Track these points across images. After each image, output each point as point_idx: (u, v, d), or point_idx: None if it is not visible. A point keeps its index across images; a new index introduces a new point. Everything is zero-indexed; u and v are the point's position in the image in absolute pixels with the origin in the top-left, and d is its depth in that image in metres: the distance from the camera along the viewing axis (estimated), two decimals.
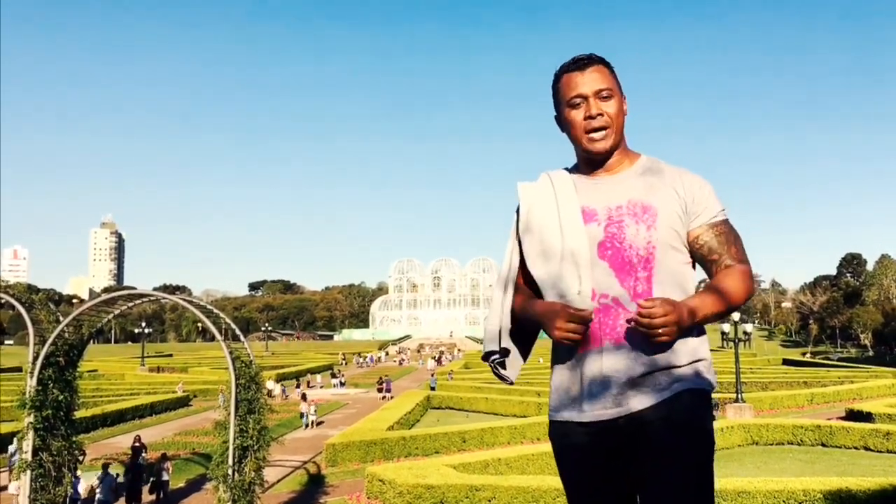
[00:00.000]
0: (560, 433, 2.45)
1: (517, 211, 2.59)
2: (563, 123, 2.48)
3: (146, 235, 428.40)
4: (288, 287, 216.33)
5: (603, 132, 2.40)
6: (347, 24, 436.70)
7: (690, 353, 2.35)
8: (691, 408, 2.29)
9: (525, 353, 2.59)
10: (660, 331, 2.14)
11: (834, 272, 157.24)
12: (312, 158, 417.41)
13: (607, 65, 2.46)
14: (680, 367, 2.32)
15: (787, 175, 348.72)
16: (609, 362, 2.30)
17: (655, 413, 2.26)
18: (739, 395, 30.54)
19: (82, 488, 16.01)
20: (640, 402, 2.28)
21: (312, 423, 31.62)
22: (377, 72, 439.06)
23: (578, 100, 2.41)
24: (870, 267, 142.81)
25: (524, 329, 2.53)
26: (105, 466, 16.66)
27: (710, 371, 2.41)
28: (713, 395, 2.51)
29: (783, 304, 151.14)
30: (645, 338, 2.24)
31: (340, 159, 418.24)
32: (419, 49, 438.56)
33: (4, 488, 18.24)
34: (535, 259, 2.46)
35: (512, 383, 2.64)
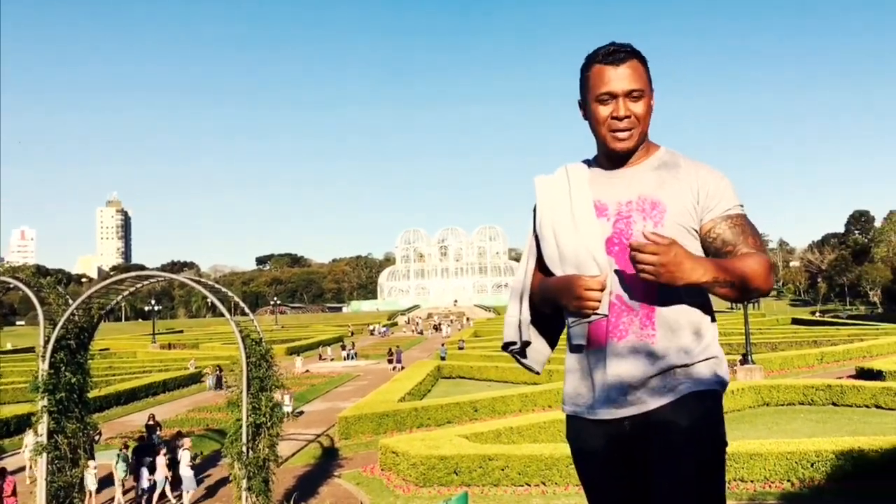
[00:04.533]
0: (575, 430, 2.46)
1: (534, 209, 2.53)
2: (588, 114, 2.38)
3: (152, 213, 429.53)
4: (295, 260, 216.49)
5: (628, 132, 2.30)
6: None
7: (701, 351, 2.29)
8: (696, 410, 2.23)
9: (552, 343, 2.59)
10: (646, 267, 2.03)
11: (842, 230, 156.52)
12: (316, 130, 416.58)
13: (642, 60, 2.34)
14: (688, 366, 2.26)
15: (793, 132, 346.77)
16: (614, 362, 2.27)
17: (660, 416, 2.23)
18: (749, 357, 30.55)
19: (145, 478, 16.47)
20: (645, 404, 2.25)
21: (288, 414, 24.91)
22: (380, 39, 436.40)
23: (607, 97, 2.29)
24: (878, 224, 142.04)
25: (546, 318, 2.50)
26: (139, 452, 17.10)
27: (721, 368, 2.34)
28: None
29: (791, 264, 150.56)
30: (654, 332, 2.23)
31: (344, 130, 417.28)
32: (423, 16, 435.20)
33: (23, 469, 18.44)
34: (553, 259, 2.41)
35: (538, 373, 2.65)
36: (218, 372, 37.05)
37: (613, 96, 2.28)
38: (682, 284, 2.07)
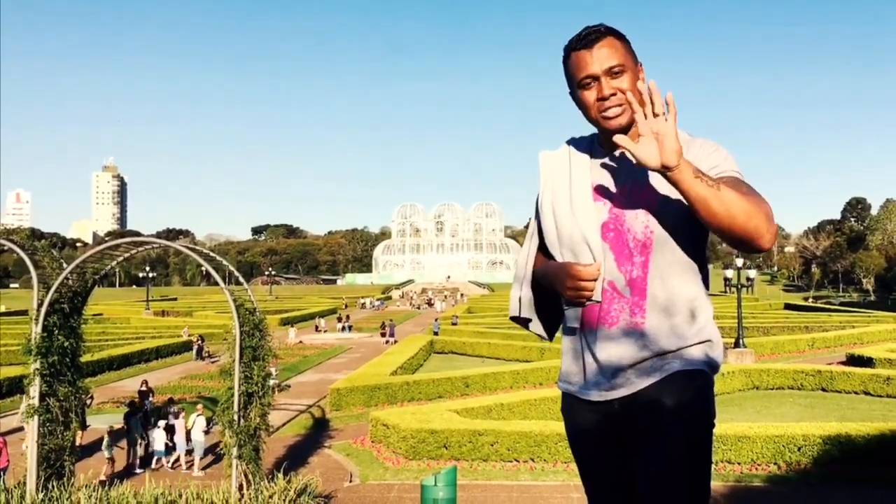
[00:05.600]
0: (568, 407, 2.50)
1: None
2: (578, 103, 2.34)
3: (149, 179, 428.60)
4: (291, 231, 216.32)
5: (618, 109, 2.25)
6: None
7: (695, 335, 2.29)
8: (682, 389, 2.23)
9: (558, 316, 2.58)
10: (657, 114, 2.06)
11: (838, 216, 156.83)
12: (316, 100, 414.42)
13: (618, 36, 2.29)
14: (677, 350, 2.26)
15: (792, 118, 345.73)
16: (604, 348, 2.29)
17: (646, 396, 2.25)
18: (741, 340, 30.69)
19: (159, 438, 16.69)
20: (632, 385, 2.27)
21: (274, 387, 25.56)
22: (382, 10, 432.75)
23: (589, 80, 2.26)
24: (874, 211, 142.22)
25: (549, 292, 2.51)
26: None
27: (715, 351, 2.33)
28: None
29: (786, 249, 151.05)
30: (645, 318, 2.23)
31: (344, 101, 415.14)
32: None
33: (13, 431, 18.50)
34: (553, 241, 2.42)
35: (549, 340, 2.70)
36: (199, 342, 36.95)
37: (595, 78, 2.25)
38: (667, 157, 2.04)
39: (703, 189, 2.02)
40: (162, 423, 16.93)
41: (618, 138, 2.14)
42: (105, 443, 15.89)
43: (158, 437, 16.58)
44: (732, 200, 2.01)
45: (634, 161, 2.11)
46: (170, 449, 16.75)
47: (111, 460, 15.80)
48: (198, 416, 16.72)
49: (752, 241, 2.05)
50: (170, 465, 16.60)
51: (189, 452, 16.69)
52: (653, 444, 2.22)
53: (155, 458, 16.70)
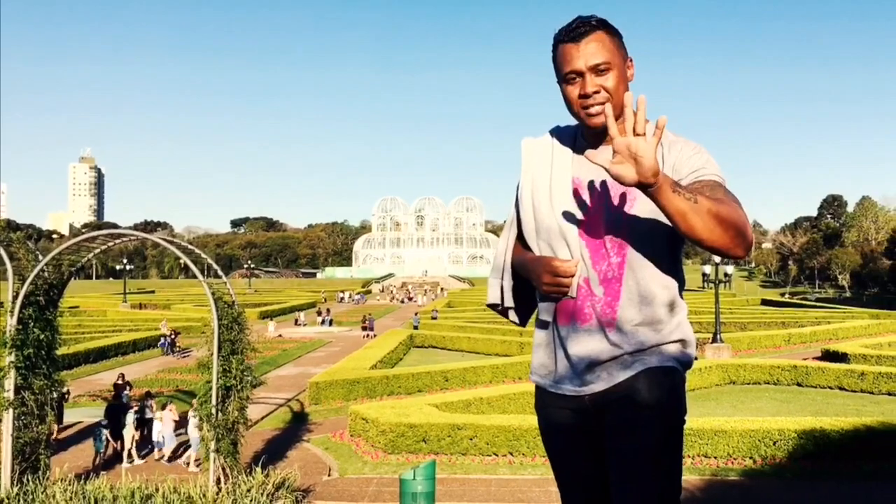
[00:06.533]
0: (541, 401, 2.50)
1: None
2: (562, 96, 2.30)
3: (127, 171, 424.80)
4: (270, 224, 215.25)
5: (600, 107, 2.20)
6: None
7: (669, 333, 2.29)
8: (657, 386, 2.24)
9: (533, 303, 2.59)
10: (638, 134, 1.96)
11: (815, 213, 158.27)
12: (297, 93, 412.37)
13: (608, 30, 2.24)
14: (650, 347, 2.26)
15: (770, 115, 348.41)
16: (577, 344, 2.29)
17: (619, 392, 2.26)
18: (718, 336, 30.93)
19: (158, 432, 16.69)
20: (604, 381, 2.28)
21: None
22: (363, 2, 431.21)
23: (573, 75, 2.22)
24: (850, 208, 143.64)
25: (524, 281, 2.50)
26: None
27: (688, 349, 2.33)
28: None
29: (763, 245, 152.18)
30: (617, 318, 2.23)
31: (325, 95, 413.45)
32: None
33: None
34: (530, 231, 2.41)
35: (524, 326, 2.70)
36: (172, 336, 36.29)
37: (579, 74, 2.20)
38: (644, 178, 1.95)
39: (680, 203, 1.97)
40: (159, 414, 16.90)
41: (590, 154, 2.08)
42: (99, 435, 15.83)
43: (156, 429, 16.58)
44: (709, 213, 1.97)
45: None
46: (165, 440, 16.70)
47: (101, 453, 15.75)
48: (192, 411, 16.62)
49: (728, 251, 2.04)
50: (168, 456, 16.56)
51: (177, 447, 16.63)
52: (627, 439, 2.22)
53: (157, 448, 16.71)
